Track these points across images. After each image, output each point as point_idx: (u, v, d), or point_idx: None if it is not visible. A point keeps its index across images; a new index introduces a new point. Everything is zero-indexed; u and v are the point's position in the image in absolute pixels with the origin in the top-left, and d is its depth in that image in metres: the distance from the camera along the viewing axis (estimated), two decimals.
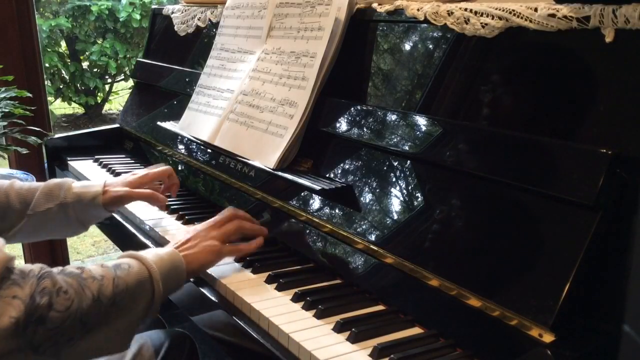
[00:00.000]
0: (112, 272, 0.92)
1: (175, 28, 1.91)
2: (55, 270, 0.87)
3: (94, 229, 1.39)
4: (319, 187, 1.13)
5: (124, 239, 1.43)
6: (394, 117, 1.11)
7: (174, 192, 1.41)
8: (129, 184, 1.32)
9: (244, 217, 1.19)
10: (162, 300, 0.98)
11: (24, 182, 1.27)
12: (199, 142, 1.52)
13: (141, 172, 1.37)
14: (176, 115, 1.70)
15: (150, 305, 0.96)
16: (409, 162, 1.06)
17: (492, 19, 0.98)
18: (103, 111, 6.62)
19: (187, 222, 1.35)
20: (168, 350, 1.22)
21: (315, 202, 1.17)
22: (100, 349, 0.90)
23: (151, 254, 1.00)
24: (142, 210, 1.41)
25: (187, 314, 1.16)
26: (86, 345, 0.87)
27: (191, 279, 1.10)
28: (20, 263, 0.86)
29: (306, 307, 0.97)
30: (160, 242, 1.28)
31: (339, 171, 1.18)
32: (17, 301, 0.79)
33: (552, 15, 0.89)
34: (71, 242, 3.02)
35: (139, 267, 0.96)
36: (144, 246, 1.27)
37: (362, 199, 1.10)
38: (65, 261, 2.48)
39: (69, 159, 1.86)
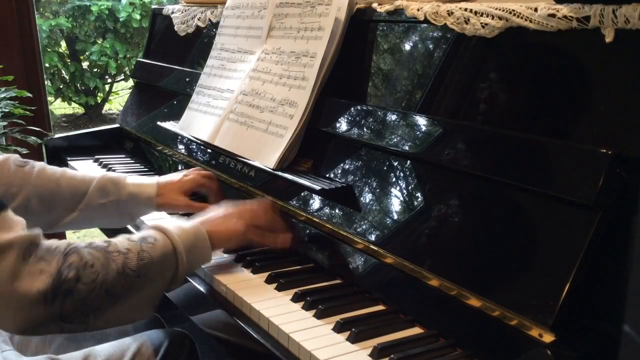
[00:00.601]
0: (137, 246, 0.95)
1: (175, 28, 1.91)
2: (82, 244, 0.90)
3: (95, 229, 1.39)
4: (319, 187, 1.13)
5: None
6: (394, 117, 1.11)
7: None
8: (185, 192, 1.30)
9: (277, 216, 1.18)
10: (186, 273, 1.02)
11: (75, 171, 1.27)
12: (199, 142, 1.52)
13: (191, 174, 1.34)
14: (176, 115, 1.70)
15: (174, 277, 0.99)
16: (409, 162, 1.06)
17: (492, 19, 0.98)
18: (103, 111, 6.62)
19: None
20: (167, 349, 1.22)
21: (315, 202, 1.17)
22: (126, 317, 0.96)
23: (176, 227, 1.02)
24: None
25: (187, 313, 1.16)
26: (113, 314, 0.92)
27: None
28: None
29: (306, 307, 0.97)
30: None
31: (339, 171, 1.18)
32: (44, 275, 0.84)
33: (552, 15, 0.89)
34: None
35: (164, 241, 0.98)
36: None
37: (362, 199, 1.10)
38: None
39: (69, 159, 1.86)
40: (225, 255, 1.18)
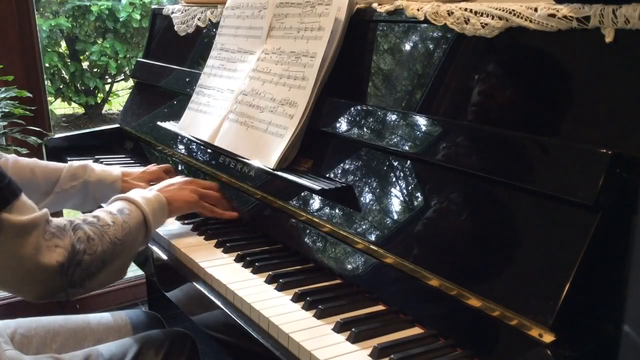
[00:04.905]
0: (119, 218, 1.09)
1: (175, 28, 1.91)
2: (79, 221, 1.03)
3: None
4: (319, 187, 1.13)
5: None
6: (394, 117, 1.11)
7: None
8: (146, 182, 1.46)
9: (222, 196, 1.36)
10: (151, 234, 1.19)
11: (44, 161, 1.42)
12: (199, 142, 1.52)
13: (152, 167, 1.52)
14: (176, 115, 1.70)
15: (143, 241, 1.16)
16: (409, 162, 1.06)
17: (492, 19, 0.98)
18: (103, 111, 6.62)
19: (187, 223, 1.35)
20: (169, 349, 1.23)
21: (315, 202, 1.17)
22: (109, 279, 1.08)
23: (141, 197, 1.17)
24: None
25: (187, 314, 1.16)
26: (101, 277, 1.05)
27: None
28: None
29: (306, 307, 0.97)
30: (159, 241, 1.28)
31: (339, 171, 1.18)
32: (60, 249, 0.96)
33: (552, 15, 0.89)
34: None
35: (136, 211, 1.13)
36: None
37: (362, 199, 1.10)
38: None
39: (69, 159, 1.85)
40: (226, 256, 1.18)
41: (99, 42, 5.89)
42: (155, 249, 1.25)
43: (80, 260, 0.99)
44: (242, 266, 1.13)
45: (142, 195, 1.18)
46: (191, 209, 1.28)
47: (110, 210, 1.10)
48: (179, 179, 1.33)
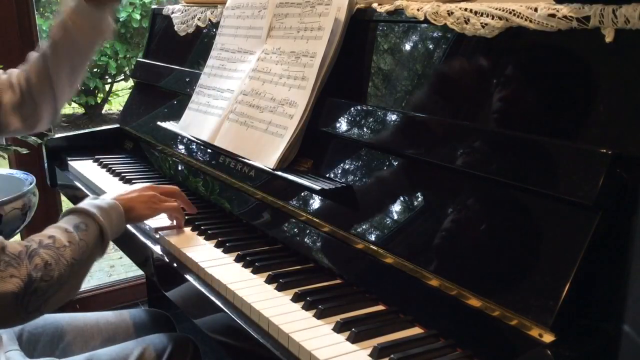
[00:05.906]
0: (76, 236, 1.04)
1: (175, 28, 1.91)
2: (35, 245, 0.99)
3: None
4: (319, 187, 1.13)
5: (125, 240, 1.42)
6: (394, 117, 1.11)
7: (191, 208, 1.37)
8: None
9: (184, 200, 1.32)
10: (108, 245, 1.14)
11: None
12: (199, 142, 1.52)
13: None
14: (176, 115, 1.70)
15: (101, 252, 1.11)
16: (409, 162, 1.06)
17: (492, 19, 0.98)
18: (103, 111, 6.62)
19: (187, 223, 1.35)
20: (171, 354, 1.22)
21: (315, 202, 1.17)
22: (65, 297, 1.04)
23: (96, 208, 1.11)
24: None
25: (187, 313, 1.16)
26: (57, 298, 1.01)
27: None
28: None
29: (306, 307, 0.97)
30: (159, 241, 1.28)
31: (339, 171, 1.18)
32: (16, 279, 0.93)
33: (552, 15, 0.89)
34: None
35: (93, 225, 1.08)
36: (144, 246, 1.28)
37: (362, 199, 1.10)
38: None
39: (69, 159, 1.86)
40: (226, 256, 1.18)
41: None
42: (155, 249, 1.25)
43: (37, 288, 0.96)
44: (242, 266, 1.13)
45: (98, 204, 1.12)
46: (150, 216, 1.25)
47: (66, 228, 1.05)
48: (138, 186, 1.28)
